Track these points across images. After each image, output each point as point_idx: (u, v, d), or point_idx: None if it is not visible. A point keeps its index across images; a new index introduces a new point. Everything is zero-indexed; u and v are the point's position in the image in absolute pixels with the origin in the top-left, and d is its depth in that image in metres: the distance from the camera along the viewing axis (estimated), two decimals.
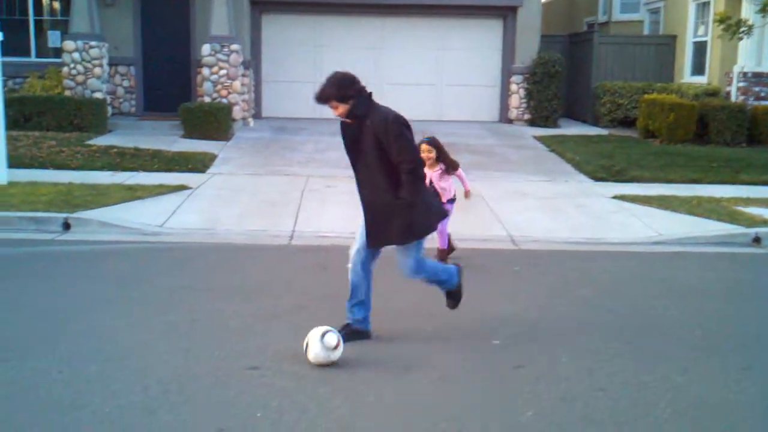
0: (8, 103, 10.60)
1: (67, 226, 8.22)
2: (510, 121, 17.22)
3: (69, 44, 14.88)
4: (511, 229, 8.58)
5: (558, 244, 8.17)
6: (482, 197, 10.01)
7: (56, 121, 13.78)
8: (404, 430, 4.04)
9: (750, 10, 14.06)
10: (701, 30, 17.08)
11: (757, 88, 15.40)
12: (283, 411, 4.19)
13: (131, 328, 5.40)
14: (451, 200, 7.25)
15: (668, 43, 18.09)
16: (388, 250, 5.25)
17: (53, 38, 16.43)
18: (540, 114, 16.78)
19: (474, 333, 5.49)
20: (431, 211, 5.21)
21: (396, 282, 6.64)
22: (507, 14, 17.18)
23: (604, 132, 16.19)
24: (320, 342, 4.70)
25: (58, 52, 15.65)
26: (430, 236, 5.32)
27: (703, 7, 16.98)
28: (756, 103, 15.09)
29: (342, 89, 4.91)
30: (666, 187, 10.85)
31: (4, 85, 10.00)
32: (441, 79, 17.42)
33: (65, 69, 14.91)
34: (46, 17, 16.73)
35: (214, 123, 13.96)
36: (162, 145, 12.79)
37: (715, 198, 10.12)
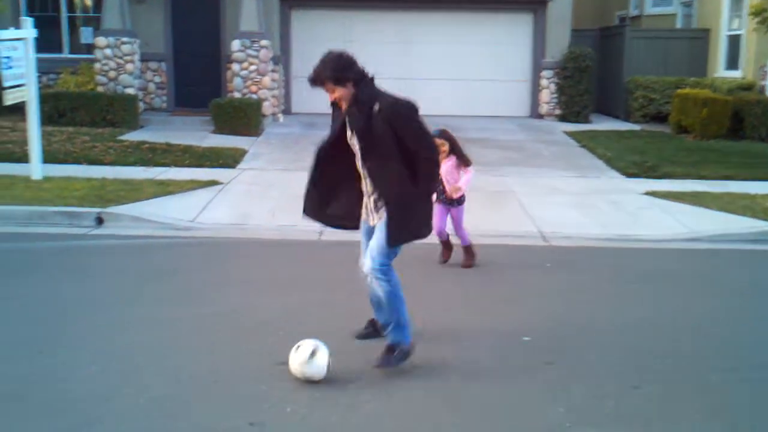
0: (43, 99, 10.73)
1: (100, 220, 8.30)
2: (540, 117, 17.11)
3: (101, 40, 15.04)
4: (542, 225, 8.52)
5: (589, 241, 8.10)
6: (513, 193, 9.96)
7: (89, 117, 13.94)
8: (433, 426, 4.04)
9: None
10: (735, 23, 16.81)
11: None
12: (313, 406, 4.20)
13: (163, 322, 5.45)
14: (460, 200, 6.96)
15: (701, 37, 17.83)
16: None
17: (86, 35, 16.62)
18: (571, 109, 16.64)
19: (504, 329, 5.47)
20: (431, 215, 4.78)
21: (424, 277, 6.65)
22: (537, 8, 17.06)
23: (635, 127, 16.02)
24: (309, 360, 4.42)
25: (90, 48, 15.82)
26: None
27: (737, 0, 16.72)
28: None
29: (339, 71, 4.40)
30: (699, 183, 10.71)
31: (39, 81, 10.12)
32: (471, 73, 17.33)
33: (97, 65, 15.07)
34: (78, 14, 16.93)
35: (244, 119, 14.03)
36: (193, 141, 12.88)
37: (750, 195, 9.97)
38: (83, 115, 13.94)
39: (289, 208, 9.11)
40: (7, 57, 9.28)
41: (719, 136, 14.10)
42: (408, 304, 5.45)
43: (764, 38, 14.59)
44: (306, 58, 17.05)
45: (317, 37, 16.99)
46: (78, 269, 6.75)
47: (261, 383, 4.47)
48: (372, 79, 4.50)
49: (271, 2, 16.00)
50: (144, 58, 15.92)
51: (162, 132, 13.75)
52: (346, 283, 6.39)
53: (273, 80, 15.54)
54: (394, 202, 4.50)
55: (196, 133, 13.85)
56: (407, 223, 4.55)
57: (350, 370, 4.66)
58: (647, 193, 10.02)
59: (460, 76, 17.34)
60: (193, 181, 9.94)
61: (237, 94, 15.08)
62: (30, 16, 10.51)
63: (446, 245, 7.14)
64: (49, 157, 10.42)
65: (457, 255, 7.13)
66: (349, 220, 4.83)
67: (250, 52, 15.06)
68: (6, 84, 9.28)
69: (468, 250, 7.09)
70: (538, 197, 9.79)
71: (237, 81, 15.16)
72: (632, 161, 11.86)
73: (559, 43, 16.84)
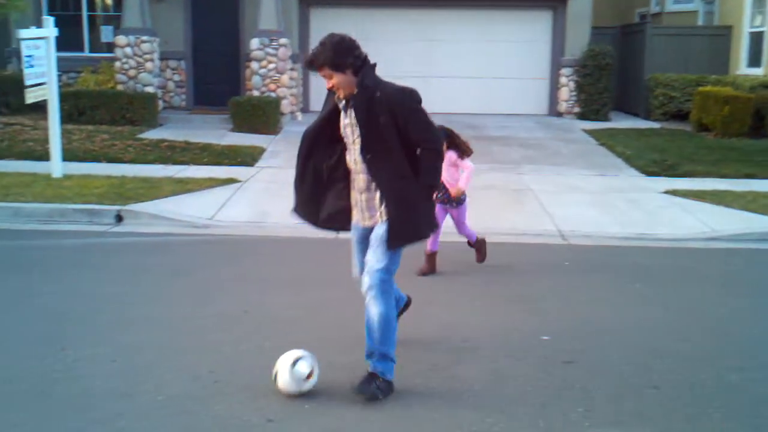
0: (63, 98, 10.82)
1: (119, 218, 8.36)
2: (559, 114, 17.03)
3: (121, 39, 15.14)
4: (561, 223, 8.48)
5: (608, 239, 8.05)
6: (532, 191, 9.92)
7: (109, 115, 14.04)
8: (452, 423, 4.03)
9: None
10: (758, 20, 16.64)
11: None
12: (331, 404, 4.20)
13: (182, 319, 5.48)
14: (458, 199, 6.69)
15: (723, 34, 17.66)
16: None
17: (106, 33, 16.73)
18: (590, 107, 16.55)
19: (522, 328, 5.45)
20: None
21: (441, 276, 6.63)
22: (557, 6, 16.97)
23: (656, 125, 15.90)
24: (290, 370, 4.20)
25: (110, 47, 15.93)
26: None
27: None
28: None
29: (339, 55, 4.07)
30: (720, 182, 10.62)
31: (59, 80, 10.20)
32: (489, 71, 17.28)
33: (117, 63, 15.17)
34: (99, 13, 17.04)
35: (262, 117, 14.07)
36: (212, 139, 12.94)
37: None
38: (103, 113, 14.04)
39: None
40: (29, 56, 9.36)
41: (741, 134, 13.97)
42: (424, 302, 5.42)
43: None
44: None
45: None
46: (98, 266, 6.79)
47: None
48: (373, 67, 4.22)
49: (290, 1, 16.03)
50: (163, 57, 16.01)
51: (181, 130, 13.82)
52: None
53: (291, 78, 15.57)
54: (395, 198, 4.19)
55: (214, 131, 13.91)
56: (408, 222, 4.21)
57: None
58: (667, 192, 9.94)
59: (478, 74, 17.28)
60: (211, 179, 9.98)
61: (256, 93, 15.13)
62: (51, 15, 10.60)
63: (431, 258, 6.70)
64: (69, 155, 10.50)
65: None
66: (340, 220, 4.51)
67: (268, 50, 15.09)
68: (28, 82, 9.36)
69: (479, 245, 6.92)
70: (557, 195, 9.75)
71: (256, 79, 15.21)
72: (652, 159, 11.78)
73: (578, 40, 16.74)
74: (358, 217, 4.41)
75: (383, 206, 4.22)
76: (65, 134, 11.11)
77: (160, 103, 15.53)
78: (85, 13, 16.73)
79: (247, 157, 11.62)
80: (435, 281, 6.52)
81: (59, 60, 10.16)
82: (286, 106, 15.14)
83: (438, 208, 6.49)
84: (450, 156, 6.40)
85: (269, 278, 6.51)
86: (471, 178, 6.62)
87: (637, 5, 22.54)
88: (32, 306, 5.71)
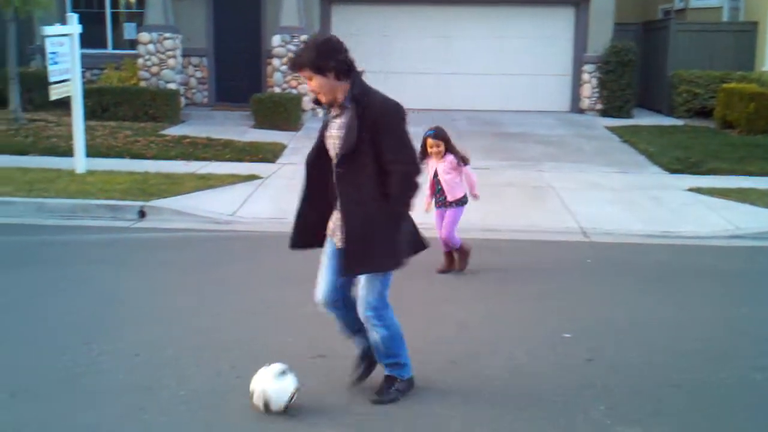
0: (86, 94, 10.91)
1: (142, 214, 8.42)
2: (581, 111, 16.92)
3: (144, 36, 15.24)
4: (583, 221, 8.43)
5: (631, 237, 7.99)
6: (553, 188, 9.87)
7: (132, 112, 14.13)
8: (471, 419, 4.02)
9: None
10: None
11: None
12: (354, 399, 4.21)
13: (204, 314, 5.51)
14: (460, 201, 6.52)
15: (749, 30, 17.46)
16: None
17: (129, 30, 16.85)
18: (613, 104, 16.43)
19: (544, 326, 5.43)
20: (409, 236, 4.06)
21: (461, 273, 6.62)
22: (579, 2, 16.86)
23: (679, 122, 15.76)
24: (275, 385, 3.99)
25: (133, 44, 16.05)
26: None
27: None
28: None
29: (322, 56, 3.73)
30: (744, 179, 10.51)
31: (83, 77, 10.29)
32: (510, 68, 17.20)
33: (140, 60, 15.27)
34: (122, 10, 17.16)
35: (283, 113, 14.11)
36: (233, 135, 13.00)
37: None
38: (126, 109, 14.14)
39: None
40: (53, 52, 9.45)
41: (766, 131, 13.79)
42: (443, 299, 5.40)
43: None
44: None
45: (357, 32, 16.99)
46: (121, 262, 6.85)
47: (300, 375, 4.49)
48: (360, 73, 3.89)
49: None
50: (186, 54, 16.09)
51: (203, 126, 13.89)
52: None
53: None
54: (355, 222, 3.86)
55: (236, 127, 13.97)
56: (364, 251, 3.86)
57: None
58: (691, 189, 9.85)
59: (499, 70, 17.21)
60: (233, 176, 10.02)
61: (277, 89, 15.17)
62: (75, 12, 10.69)
63: (449, 255, 6.66)
64: (92, 151, 10.58)
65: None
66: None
67: (290, 47, 15.13)
68: (52, 79, 9.45)
69: (462, 252, 6.59)
70: (579, 193, 9.70)
71: (277, 76, 15.25)
72: (675, 157, 11.68)
73: (601, 37, 16.62)
74: (332, 233, 4.09)
75: (343, 230, 3.92)
76: (88, 130, 11.20)
77: (183, 100, 15.62)
78: (108, 11, 16.86)
79: (269, 154, 11.66)
80: (454, 278, 6.51)
81: (83, 57, 10.24)
82: (307, 102, 15.17)
83: (439, 212, 6.55)
84: (450, 160, 6.40)
85: (290, 274, 6.51)
86: (476, 182, 6.67)
87: (660, 1, 22.33)
88: (56, 300, 5.77)
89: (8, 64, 12.99)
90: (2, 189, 8.81)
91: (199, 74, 16.63)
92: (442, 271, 6.61)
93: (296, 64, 3.81)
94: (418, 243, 4.13)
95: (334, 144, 3.91)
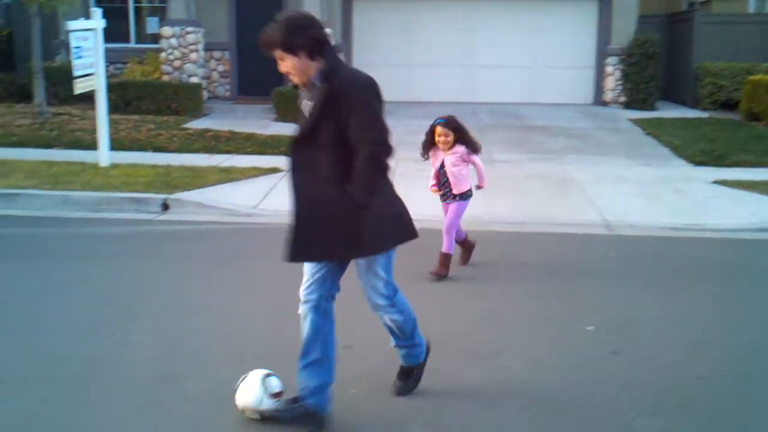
0: (110, 88, 10.98)
1: (165, 206, 8.47)
2: (605, 104, 16.80)
3: (166, 30, 15.32)
4: (606, 213, 8.37)
5: (655, 230, 7.92)
6: (576, 181, 9.81)
7: (155, 105, 14.22)
8: (494, 412, 4.01)
9: None
10: None
11: None
12: (376, 389, 4.22)
13: (227, 306, 5.53)
14: (465, 194, 6.28)
15: None
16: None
17: (151, 24, 16.94)
18: (636, 96, 16.30)
19: (567, 318, 5.40)
20: (393, 222, 3.76)
21: (482, 267, 6.60)
22: None
23: (704, 115, 15.60)
24: (261, 386, 3.83)
25: (156, 38, 16.13)
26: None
27: None
28: None
29: (292, 33, 3.41)
30: None
31: (106, 71, 10.36)
32: (533, 61, 17.12)
33: (163, 54, 15.36)
34: (144, 4, 17.26)
35: None
36: (255, 129, 13.03)
37: None
38: (149, 103, 14.23)
39: None
40: (78, 47, 9.51)
41: None
42: (465, 293, 5.39)
43: None
44: (367, 46, 17.17)
45: (379, 24, 17.01)
46: (145, 254, 6.89)
47: None
48: (334, 50, 3.60)
49: None
50: (208, 48, 16.16)
51: (225, 120, 13.95)
52: (407, 268, 6.38)
53: None
54: (303, 204, 3.57)
55: (258, 121, 14.01)
56: (309, 236, 3.58)
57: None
58: (716, 182, 9.75)
59: (522, 63, 17.14)
60: (255, 168, 10.06)
61: None
62: (99, 7, 10.76)
63: (463, 245, 6.53)
64: (116, 145, 10.66)
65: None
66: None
67: None
68: (76, 73, 9.52)
69: (446, 259, 6.25)
70: (602, 185, 9.63)
71: None
72: (700, 149, 11.56)
73: (625, 29, 16.49)
74: None
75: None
76: (112, 124, 11.28)
77: (205, 94, 15.69)
78: (131, 5, 16.96)
79: None
80: (477, 271, 6.49)
81: (106, 51, 10.31)
82: None
83: (446, 207, 6.34)
84: (459, 152, 6.13)
85: None
86: (485, 175, 6.34)
87: None
88: (81, 292, 5.82)
89: (33, 58, 13.11)
90: (28, 182, 8.90)
91: (221, 68, 16.69)
92: (464, 263, 6.53)
93: (265, 44, 3.49)
94: (406, 231, 3.82)
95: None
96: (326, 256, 3.65)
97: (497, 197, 8.92)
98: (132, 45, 16.83)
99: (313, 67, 3.50)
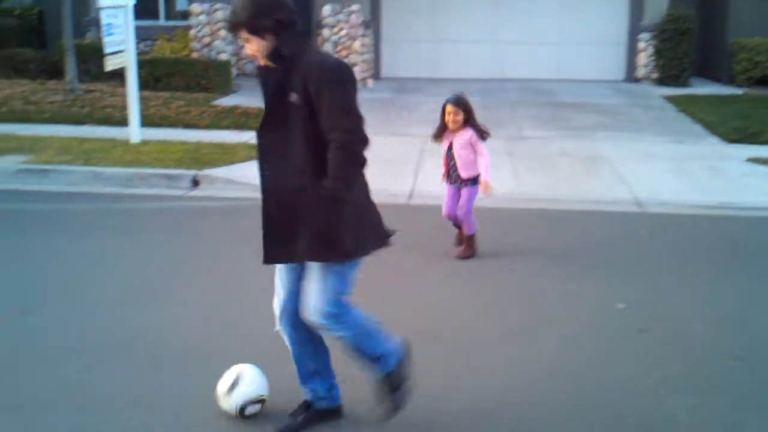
0: (140, 65, 11.02)
1: (195, 182, 8.53)
2: (636, 80, 16.56)
3: (196, 7, 15.33)
4: (637, 191, 8.27)
5: (687, 208, 7.82)
6: (607, 158, 9.71)
7: (184, 82, 14.26)
8: (525, 387, 4.01)
9: None
10: None
11: None
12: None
13: (259, 279, 5.56)
14: (475, 179, 5.98)
15: None
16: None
17: (181, 2, 16.96)
18: (669, 73, 16.03)
19: (597, 296, 5.37)
20: (371, 224, 3.49)
21: (510, 245, 6.57)
22: None
23: (738, 91, 15.32)
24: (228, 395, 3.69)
25: (185, 15, 16.15)
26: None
27: None
28: None
29: (258, 14, 3.19)
30: None
31: (136, 48, 10.40)
32: (564, 37, 16.89)
33: (192, 31, 15.38)
34: None
35: None
36: None
37: None
38: (178, 80, 14.26)
39: (379, 172, 9.15)
40: (108, 24, 9.55)
41: None
42: (498, 268, 5.35)
43: None
44: (395, 22, 17.05)
45: (408, 1, 16.85)
46: (176, 229, 6.95)
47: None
48: (301, 32, 3.35)
49: None
50: None
51: (254, 97, 13.92)
52: (436, 247, 6.38)
53: (363, 45, 15.54)
54: (274, 201, 3.34)
55: None
56: (280, 236, 3.34)
57: (437, 335, 4.67)
58: (750, 160, 9.59)
59: (552, 39, 16.91)
60: None
61: None
62: None
63: (464, 238, 6.21)
64: (146, 121, 10.72)
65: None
66: None
67: (340, 17, 15.08)
68: (107, 50, 9.57)
69: (470, 240, 6.16)
70: (634, 163, 9.51)
71: (327, 46, 15.21)
72: (734, 127, 11.36)
73: (658, 4, 16.19)
74: None
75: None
76: (142, 101, 11.33)
77: (234, 71, 15.70)
78: None
79: None
80: (507, 249, 6.45)
81: (136, 28, 10.34)
82: (357, 72, 15.12)
83: (451, 189, 6.08)
84: (466, 134, 5.90)
85: None
86: (490, 165, 5.96)
87: None
88: (114, 267, 5.89)
89: (64, 36, 13.19)
90: (61, 158, 9.00)
91: None
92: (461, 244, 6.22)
93: (231, 25, 3.28)
94: (383, 236, 3.54)
95: None
96: (298, 256, 3.34)
97: (527, 174, 8.86)
98: (161, 22, 16.86)
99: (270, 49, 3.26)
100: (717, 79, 16.87)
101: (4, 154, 9.14)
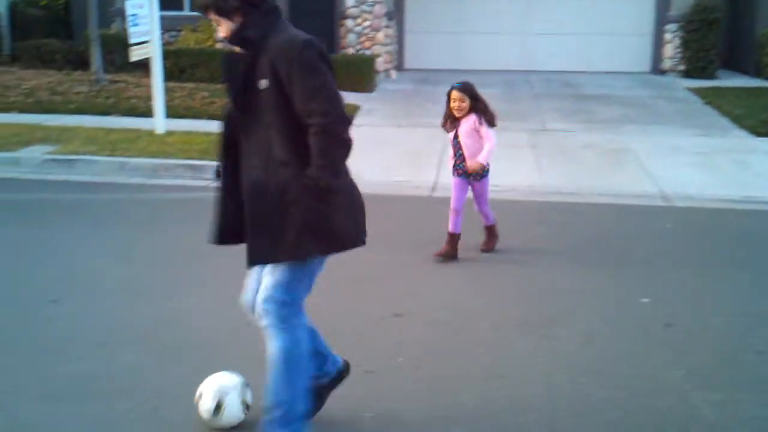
0: (165, 56, 11.08)
1: (219, 173, 8.55)
2: (662, 72, 16.39)
3: None
4: (663, 185, 8.20)
5: (713, 202, 7.74)
6: (632, 151, 9.63)
7: (208, 73, 14.30)
8: (546, 383, 3.99)
9: None
10: None
11: None
12: (424, 357, 4.24)
13: None
14: (483, 168, 5.82)
15: None
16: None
17: None
18: (696, 65, 15.85)
19: (620, 290, 5.34)
20: (355, 214, 3.25)
21: (537, 236, 6.54)
22: None
23: (767, 84, 15.12)
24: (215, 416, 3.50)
25: None
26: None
27: None
28: None
29: None
30: None
31: (161, 39, 10.46)
32: (589, 28, 16.74)
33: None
34: None
35: (357, 75, 14.08)
36: None
37: None
38: (203, 71, 14.32)
39: (402, 164, 9.16)
40: (134, 15, 9.62)
41: None
42: (517, 264, 5.35)
43: None
44: (419, 13, 17.00)
45: None
46: (201, 219, 6.94)
47: (375, 334, 4.54)
48: (272, 11, 3.07)
49: None
50: None
51: None
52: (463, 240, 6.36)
53: (386, 36, 15.50)
54: (254, 195, 3.08)
55: None
56: (263, 234, 3.04)
57: (462, 324, 4.67)
58: None
59: (578, 30, 16.78)
60: None
61: (351, 51, 15.14)
62: None
63: (452, 240, 5.92)
64: (170, 112, 10.78)
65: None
66: None
67: (364, 7, 15.05)
68: (132, 41, 9.63)
69: (491, 230, 6.08)
70: (659, 156, 9.43)
71: (351, 37, 15.21)
72: (762, 119, 11.21)
73: None
74: None
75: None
76: (167, 92, 11.39)
77: None
78: None
79: None
80: (530, 242, 6.44)
81: (161, 19, 10.39)
82: (380, 63, 15.10)
83: (458, 182, 5.91)
84: (472, 120, 5.73)
85: (370, 234, 6.56)
86: (493, 152, 5.77)
87: None
88: (137, 257, 5.94)
89: (90, 26, 13.28)
90: (87, 148, 9.08)
91: None
92: (440, 255, 5.91)
93: (199, 6, 3.05)
94: (360, 234, 3.32)
95: None
96: (293, 256, 3.06)
97: (551, 167, 8.82)
98: (186, 12, 16.92)
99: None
100: (745, 72, 16.65)
101: (31, 144, 9.25)
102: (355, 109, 12.31)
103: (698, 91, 14.04)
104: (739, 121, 11.36)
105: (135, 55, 9.78)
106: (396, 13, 16.53)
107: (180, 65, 14.28)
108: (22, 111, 11.24)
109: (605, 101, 13.13)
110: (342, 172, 3.06)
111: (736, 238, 6.64)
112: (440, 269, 5.71)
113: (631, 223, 7.07)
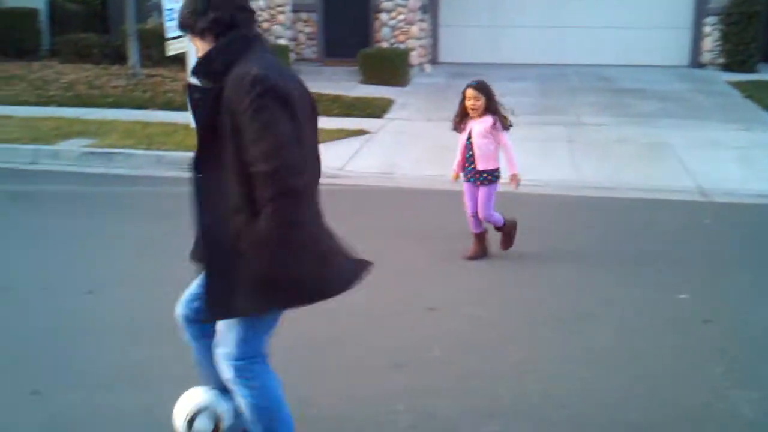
0: None
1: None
2: (701, 66, 16.14)
3: None
4: (701, 180, 8.09)
5: (753, 198, 7.61)
6: (670, 145, 9.50)
7: None
8: (580, 378, 3.97)
9: None
10: None
11: None
12: (457, 351, 4.23)
13: None
14: (493, 173, 5.63)
15: None
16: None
17: None
18: (735, 58, 15.58)
19: (658, 286, 5.27)
20: (325, 263, 2.95)
21: (574, 231, 6.48)
22: None
23: None
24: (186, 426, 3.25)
25: None
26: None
27: None
28: None
29: (195, 11, 2.70)
30: None
31: None
32: (625, 21, 16.53)
33: None
34: None
35: (391, 69, 14.07)
36: (341, 91, 13.07)
37: None
38: None
39: (436, 158, 9.13)
40: (170, 9, 9.69)
41: None
42: (553, 258, 5.31)
43: None
44: (454, 6, 16.93)
45: None
46: None
47: (408, 327, 4.54)
48: (248, 37, 2.72)
49: None
50: (295, 9, 16.23)
51: (312, 82, 13.88)
52: (491, 233, 6.34)
53: (421, 30, 15.47)
54: (211, 246, 2.86)
55: (344, 82, 14.05)
56: (219, 287, 2.77)
57: (495, 319, 4.65)
58: None
59: (614, 23, 16.58)
60: (341, 130, 10.11)
61: (385, 44, 15.13)
62: None
63: (479, 239, 5.81)
64: None
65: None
66: None
67: (398, 1, 15.03)
68: (169, 35, 9.72)
69: (504, 229, 5.84)
70: (698, 151, 9.29)
71: (385, 31, 15.20)
72: None
73: None
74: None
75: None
76: None
77: (292, 56, 15.80)
78: None
79: (377, 109, 11.69)
80: (566, 237, 6.39)
81: None
82: (414, 57, 15.08)
83: (469, 186, 5.73)
84: (486, 122, 5.57)
85: (397, 229, 6.57)
86: (515, 157, 5.62)
87: None
88: (174, 249, 5.97)
89: (127, 21, 13.43)
90: (125, 142, 9.19)
91: (308, 30, 16.76)
92: (471, 258, 5.77)
93: (180, 26, 2.79)
94: (351, 274, 3.11)
95: None
96: (244, 312, 2.77)
97: (586, 162, 8.74)
98: None
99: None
100: None
101: (69, 137, 9.39)
102: (389, 103, 12.31)
103: (738, 85, 13.81)
104: None
105: (172, 49, 9.86)
106: (430, 7, 16.48)
107: None
108: (61, 105, 11.42)
109: (642, 95, 12.98)
110: (297, 222, 2.70)
111: None
112: (472, 263, 5.69)
113: (668, 218, 6.98)
